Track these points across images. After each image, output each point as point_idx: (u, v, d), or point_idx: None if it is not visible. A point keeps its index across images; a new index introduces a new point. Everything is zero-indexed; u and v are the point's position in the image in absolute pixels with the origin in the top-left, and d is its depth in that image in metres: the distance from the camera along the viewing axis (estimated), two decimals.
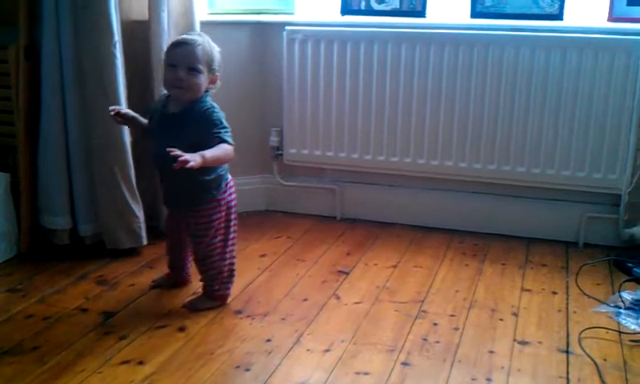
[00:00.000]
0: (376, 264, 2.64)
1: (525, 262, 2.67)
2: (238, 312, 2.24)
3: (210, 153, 1.98)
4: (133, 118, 2.23)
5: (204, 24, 2.81)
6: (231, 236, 2.25)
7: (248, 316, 2.22)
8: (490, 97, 2.78)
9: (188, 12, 2.71)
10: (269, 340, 2.06)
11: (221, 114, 2.10)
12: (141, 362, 1.93)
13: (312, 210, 3.17)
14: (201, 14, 2.82)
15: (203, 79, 2.07)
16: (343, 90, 2.94)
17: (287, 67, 2.99)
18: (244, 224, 3.03)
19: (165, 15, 2.61)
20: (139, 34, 2.63)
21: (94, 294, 2.34)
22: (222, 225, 2.21)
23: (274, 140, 3.13)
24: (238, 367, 1.92)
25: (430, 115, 2.86)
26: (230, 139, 2.06)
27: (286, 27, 2.96)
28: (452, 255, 2.73)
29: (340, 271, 2.57)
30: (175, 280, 2.39)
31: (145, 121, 2.23)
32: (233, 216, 2.24)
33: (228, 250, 2.25)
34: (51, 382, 1.82)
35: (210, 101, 2.11)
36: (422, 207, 3.03)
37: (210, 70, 2.09)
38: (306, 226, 3.04)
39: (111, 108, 2.20)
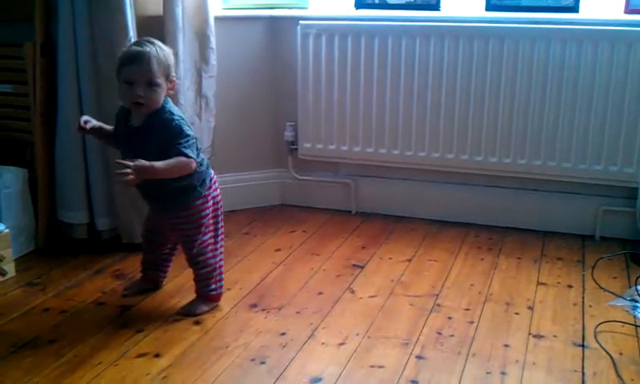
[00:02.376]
0: (391, 258, 2.64)
1: (540, 255, 2.66)
2: (253, 306, 2.25)
3: (162, 164, 1.95)
4: (99, 127, 2.15)
5: (218, 19, 2.83)
6: (220, 231, 2.22)
7: (263, 310, 2.23)
8: (506, 90, 2.77)
9: (202, 8, 2.72)
10: (284, 333, 2.07)
11: (181, 122, 2.03)
12: (157, 355, 1.94)
13: (327, 204, 3.17)
14: (215, 9, 2.83)
15: (161, 91, 2.01)
16: (357, 84, 2.94)
17: (301, 62, 2.99)
18: (259, 218, 3.06)
19: (179, 11, 2.62)
20: (154, 29, 2.64)
21: (110, 288, 2.37)
22: (211, 221, 2.18)
23: (288, 134, 3.13)
24: (253, 360, 1.93)
25: (445, 109, 2.86)
26: (188, 151, 2.00)
27: (300, 22, 2.96)
28: (467, 249, 2.72)
29: (355, 265, 2.57)
30: (149, 283, 2.34)
31: (110, 128, 2.17)
32: (220, 211, 2.21)
33: (219, 245, 2.22)
34: (68, 375, 1.84)
35: (169, 107, 2.06)
36: (436, 201, 3.03)
37: (168, 78, 2.02)
38: (320, 220, 3.05)
39: (80, 119, 2.12)
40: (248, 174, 3.17)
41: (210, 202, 2.17)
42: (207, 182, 2.15)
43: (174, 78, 2.08)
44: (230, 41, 2.97)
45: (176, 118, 2.03)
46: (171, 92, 2.08)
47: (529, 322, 2.15)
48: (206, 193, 2.14)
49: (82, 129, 2.11)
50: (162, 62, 2.00)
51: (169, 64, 2.03)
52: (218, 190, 2.21)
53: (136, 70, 1.97)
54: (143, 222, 2.34)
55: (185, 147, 2.00)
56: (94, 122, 2.14)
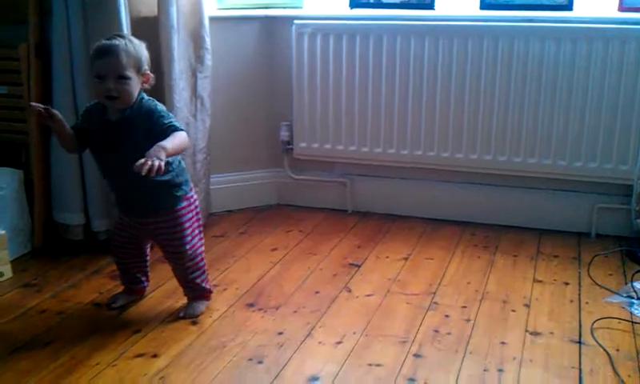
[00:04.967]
0: (387, 256, 2.64)
1: (536, 253, 2.67)
2: (250, 305, 2.25)
3: (169, 143, 1.88)
4: (60, 121, 2.02)
5: (213, 19, 2.83)
6: (201, 233, 2.20)
7: (260, 309, 2.23)
8: (500, 88, 2.77)
9: (197, 8, 2.72)
10: (281, 333, 2.07)
11: (161, 106, 2.03)
12: (155, 356, 1.94)
13: (323, 203, 3.17)
14: (210, 9, 2.83)
15: (133, 84, 1.97)
16: (353, 83, 2.94)
17: (296, 61, 2.99)
18: (255, 218, 3.06)
19: (174, 11, 2.62)
20: (148, 30, 2.64)
21: (107, 289, 2.36)
22: (195, 223, 2.16)
23: (284, 134, 3.13)
24: (250, 360, 1.93)
25: (440, 107, 2.86)
26: (181, 126, 1.99)
27: (295, 21, 2.96)
28: (463, 247, 2.73)
29: (351, 264, 2.58)
30: (134, 293, 2.30)
31: (69, 129, 2.05)
32: (198, 210, 2.19)
33: (203, 243, 2.21)
34: (65, 377, 1.83)
35: (146, 99, 2.03)
36: (433, 199, 3.03)
37: (139, 71, 1.99)
38: (316, 219, 3.05)
39: (33, 104, 1.99)
40: (244, 174, 3.17)
41: (193, 203, 2.15)
42: (189, 182, 2.14)
43: (148, 72, 2.04)
44: (225, 41, 2.97)
45: (154, 103, 2.02)
46: (146, 85, 2.04)
47: (525, 320, 2.15)
48: (190, 194, 2.13)
49: (40, 115, 1.97)
50: (131, 54, 1.97)
51: (139, 57, 1.99)
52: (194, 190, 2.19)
53: (105, 64, 1.95)
54: (113, 237, 2.24)
55: (175, 122, 1.98)
56: (58, 114, 2.02)
